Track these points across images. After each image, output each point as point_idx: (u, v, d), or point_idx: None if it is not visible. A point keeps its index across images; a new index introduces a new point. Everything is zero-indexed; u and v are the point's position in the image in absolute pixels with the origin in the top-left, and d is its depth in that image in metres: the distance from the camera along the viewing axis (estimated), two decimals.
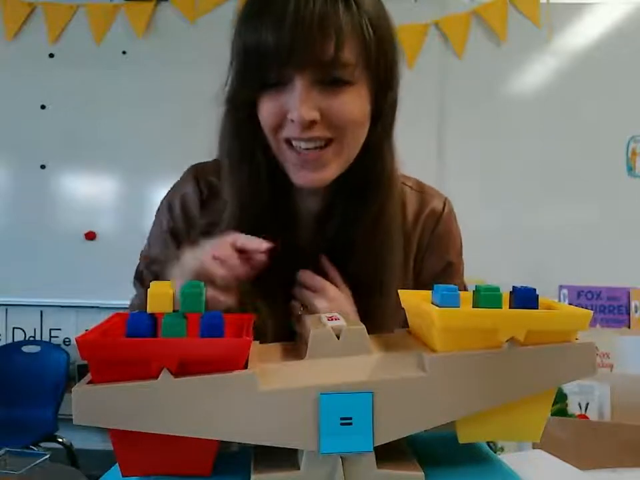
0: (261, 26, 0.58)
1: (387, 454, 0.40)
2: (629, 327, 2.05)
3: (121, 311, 0.45)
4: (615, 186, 2.40)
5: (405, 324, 0.51)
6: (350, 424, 0.39)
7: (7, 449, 1.02)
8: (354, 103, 0.61)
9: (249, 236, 0.58)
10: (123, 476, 0.40)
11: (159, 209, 0.77)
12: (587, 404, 1.44)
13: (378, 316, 0.67)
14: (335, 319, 0.45)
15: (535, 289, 0.41)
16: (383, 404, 0.39)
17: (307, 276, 0.67)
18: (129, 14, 2.52)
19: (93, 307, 2.47)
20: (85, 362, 0.37)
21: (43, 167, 2.58)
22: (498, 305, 0.41)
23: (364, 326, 0.44)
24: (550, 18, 2.38)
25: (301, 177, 0.64)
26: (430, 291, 0.45)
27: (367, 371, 0.40)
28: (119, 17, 2.53)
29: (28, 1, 2.54)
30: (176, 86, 2.46)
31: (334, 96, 0.60)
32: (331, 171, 0.64)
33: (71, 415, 0.37)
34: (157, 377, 0.37)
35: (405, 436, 0.40)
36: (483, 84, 2.44)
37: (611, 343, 1.63)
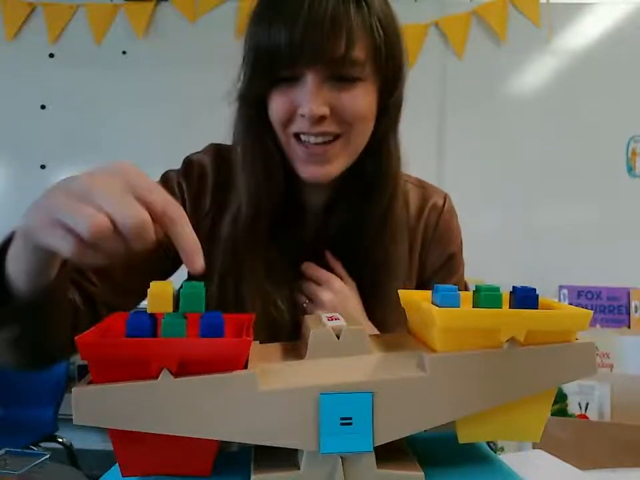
0: (275, 24, 0.59)
1: (387, 454, 0.40)
2: (629, 327, 2.05)
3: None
4: (614, 186, 2.40)
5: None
6: (350, 424, 0.39)
7: (7, 449, 1.02)
8: (363, 99, 0.63)
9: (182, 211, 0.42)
10: (123, 476, 0.40)
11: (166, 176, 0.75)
12: (587, 404, 1.44)
13: (380, 312, 0.68)
14: (335, 319, 0.45)
15: (535, 289, 0.41)
16: (382, 404, 0.39)
17: (311, 269, 0.68)
18: (129, 14, 2.52)
19: None
20: (85, 362, 0.37)
21: (42, 167, 2.58)
22: (498, 305, 0.41)
23: (365, 325, 0.44)
24: (550, 18, 2.38)
25: (307, 170, 0.65)
26: (430, 291, 0.45)
27: (367, 371, 0.40)
28: (118, 17, 2.53)
29: (28, 1, 2.54)
30: (176, 86, 2.46)
31: (344, 92, 0.61)
32: (337, 165, 0.65)
33: (71, 415, 0.37)
34: (157, 377, 0.37)
35: (404, 436, 0.40)
36: (483, 84, 2.44)
37: (611, 343, 1.63)
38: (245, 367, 0.39)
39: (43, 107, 2.58)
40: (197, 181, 0.72)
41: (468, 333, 0.40)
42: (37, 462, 0.99)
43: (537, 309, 0.41)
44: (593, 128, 2.39)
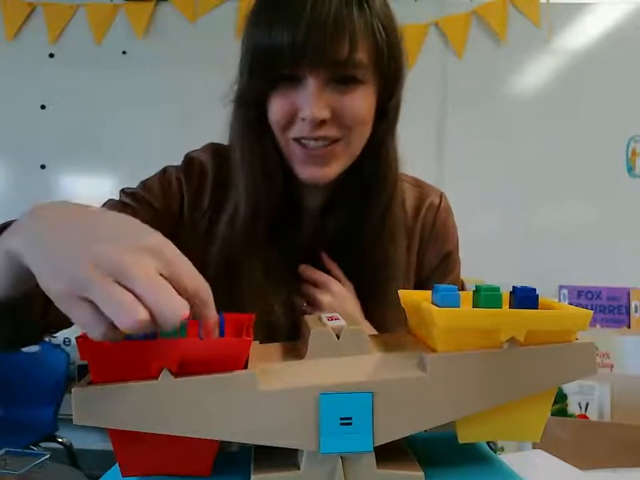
0: (276, 25, 0.58)
1: (387, 454, 0.40)
2: (629, 327, 2.05)
3: None
4: (614, 186, 2.40)
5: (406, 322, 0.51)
6: (350, 424, 0.39)
7: (7, 449, 1.02)
8: (364, 102, 0.62)
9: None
10: (122, 476, 0.40)
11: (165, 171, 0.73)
12: (587, 404, 1.44)
13: (380, 312, 0.68)
14: (335, 319, 0.45)
15: (535, 289, 0.41)
16: (382, 404, 0.39)
17: (309, 271, 0.68)
18: (129, 14, 2.52)
19: None
20: (85, 362, 0.37)
21: (42, 167, 2.58)
22: (498, 305, 0.41)
23: (364, 326, 0.44)
24: (550, 18, 2.38)
25: (305, 171, 0.65)
26: (430, 291, 0.45)
27: (367, 371, 0.40)
28: (118, 17, 2.53)
29: (28, 1, 2.54)
30: (176, 86, 2.46)
31: (345, 94, 0.61)
32: (336, 167, 0.65)
33: (71, 415, 0.37)
34: (157, 377, 0.37)
35: (404, 436, 0.40)
36: (483, 84, 2.44)
37: (611, 343, 1.63)
38: (245, 366, 0.39)
39: (43, 107, 2.58)
40: (197, 179, 0.72)
41: (468, 333, 0.40)
42: (37, 462, 0.99)
43: (537, 309, 0.41)
44: (592, 128, 2.38)
